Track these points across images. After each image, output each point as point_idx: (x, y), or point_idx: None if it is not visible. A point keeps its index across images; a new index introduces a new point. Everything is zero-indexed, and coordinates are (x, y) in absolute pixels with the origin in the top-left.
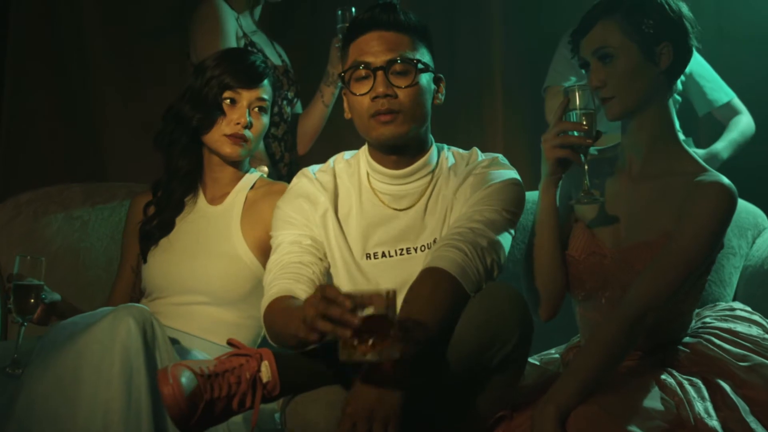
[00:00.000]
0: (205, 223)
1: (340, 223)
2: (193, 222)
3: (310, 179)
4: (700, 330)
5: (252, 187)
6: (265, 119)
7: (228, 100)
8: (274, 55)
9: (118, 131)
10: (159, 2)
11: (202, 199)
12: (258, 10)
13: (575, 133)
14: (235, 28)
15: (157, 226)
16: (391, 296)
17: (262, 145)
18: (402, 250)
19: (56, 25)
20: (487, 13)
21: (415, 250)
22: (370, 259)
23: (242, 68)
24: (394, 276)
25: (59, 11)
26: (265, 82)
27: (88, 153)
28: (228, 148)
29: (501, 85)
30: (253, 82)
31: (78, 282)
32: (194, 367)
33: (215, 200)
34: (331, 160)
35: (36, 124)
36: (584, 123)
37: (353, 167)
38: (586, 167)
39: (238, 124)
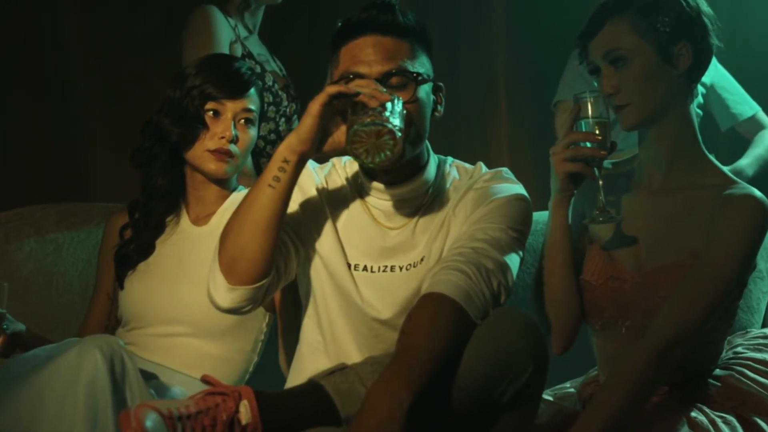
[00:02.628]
0: (188, 246)
1: (333, 221)
2: (175, 244)
3: (306, 169)
4: (732, 361)
5: None
6: (253, 132)
7: (211, 112)
8: (274, 66)
9: (102, 151)
10: (147, 15)
11: (185, 220)
12: (258, 16)
13: (588, 145)
14: (231, 37)
15: (135, 249)
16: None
17: (250, 161)
18: (386, 267)
19: (39, 39)
20: (490, 19)
21: (401, 268)
22: (351, 269)
23: (226, 76)
24: (376, 291)
25: (41, 26)
26: (252, 91)
27: (70, 174)
28: (212, 165)
29: (505, 97)
30: (238, 92)
31: (50, 309)
32: (161, 409)
33: (200, 220)
34: (330, 161)
35: (17, 144)
36: (597, 133)
37: (349, 174)
38: (600, 182)
39: (222, 138)
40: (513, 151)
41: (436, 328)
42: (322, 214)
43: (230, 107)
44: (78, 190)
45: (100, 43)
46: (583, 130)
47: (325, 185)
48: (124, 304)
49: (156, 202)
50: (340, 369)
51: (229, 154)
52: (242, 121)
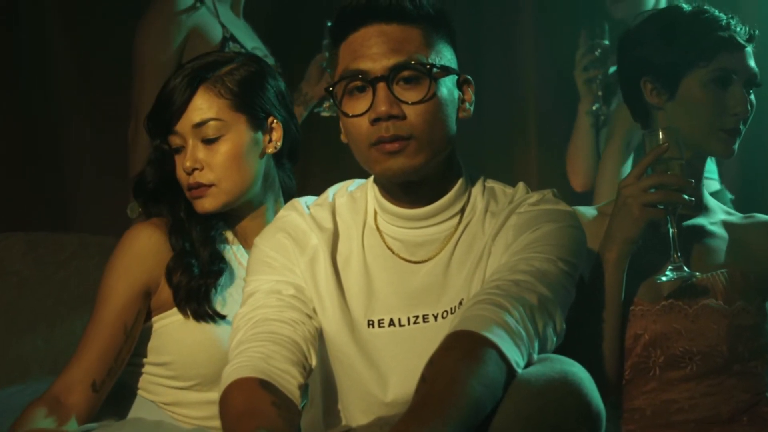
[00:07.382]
0: None
1: (338, 274)
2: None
3: (301, 214)
4: None
5: None
6: (227, 145)
7: (173, 148)
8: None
9: (87, 174)
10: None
11: (242, 254)
12: None
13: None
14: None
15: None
16: None
17: None
18: (416, 317)
19: (20, 51)
20: (517, 33)
21: (435, 317)
22: (373, 327)
23: (165, 100)
24: (404, 352)
25: (23, 36)
26: (199, 88)
27: (51, 200)
28: (197, 206)
29: (534, 119)
30: (179, 108)
31: (9, 353)
32: None
33: None
34: (330, 192)
35: None
36: (686, 177)
37: (359, 203)
38: (674, 231)
39: (186, 174)
40: (542, 179)
41: (465, 374)
42: (327, 267)
43: (181, 131)
44: (60, 218)
45: (85, 58)
46: (667, 171)
47: (328, 224)
48: (185, 357)
49: (199, 266)
50: None
51: (199, 186)
52: (200, 138)
